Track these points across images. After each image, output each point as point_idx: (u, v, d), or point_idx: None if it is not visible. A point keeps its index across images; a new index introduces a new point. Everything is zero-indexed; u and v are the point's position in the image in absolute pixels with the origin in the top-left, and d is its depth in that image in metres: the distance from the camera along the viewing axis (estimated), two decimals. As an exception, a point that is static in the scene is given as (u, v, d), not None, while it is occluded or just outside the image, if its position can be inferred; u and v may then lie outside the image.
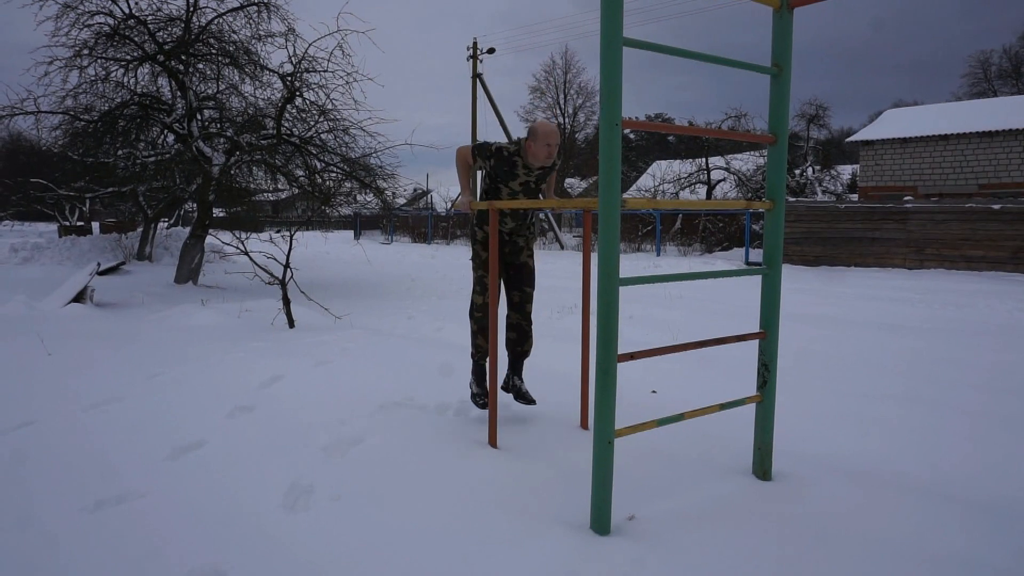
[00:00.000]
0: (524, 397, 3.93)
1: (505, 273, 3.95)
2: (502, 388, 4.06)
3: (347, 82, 10.46)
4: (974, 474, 3.18)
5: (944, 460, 3.35)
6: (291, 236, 7.50)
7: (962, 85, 46.15)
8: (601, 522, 2.52)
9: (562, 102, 45.77)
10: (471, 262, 3.92)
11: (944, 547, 2.44)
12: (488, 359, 3.68)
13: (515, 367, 4.01)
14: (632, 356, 2.56)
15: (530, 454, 3.34)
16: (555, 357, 5.00)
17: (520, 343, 3.96)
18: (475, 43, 27.33)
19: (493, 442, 3.44)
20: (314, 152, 11.02)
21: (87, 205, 21.80)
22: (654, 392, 4.50)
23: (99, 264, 9.45)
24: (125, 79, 10.72)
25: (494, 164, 3.71)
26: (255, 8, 10.81)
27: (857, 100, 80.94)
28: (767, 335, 2.99)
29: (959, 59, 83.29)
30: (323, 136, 11.01)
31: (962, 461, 3.35)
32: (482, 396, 3.90)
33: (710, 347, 2.88)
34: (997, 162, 21.01)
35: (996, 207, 14.72)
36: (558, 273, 13.60)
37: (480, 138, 24.35)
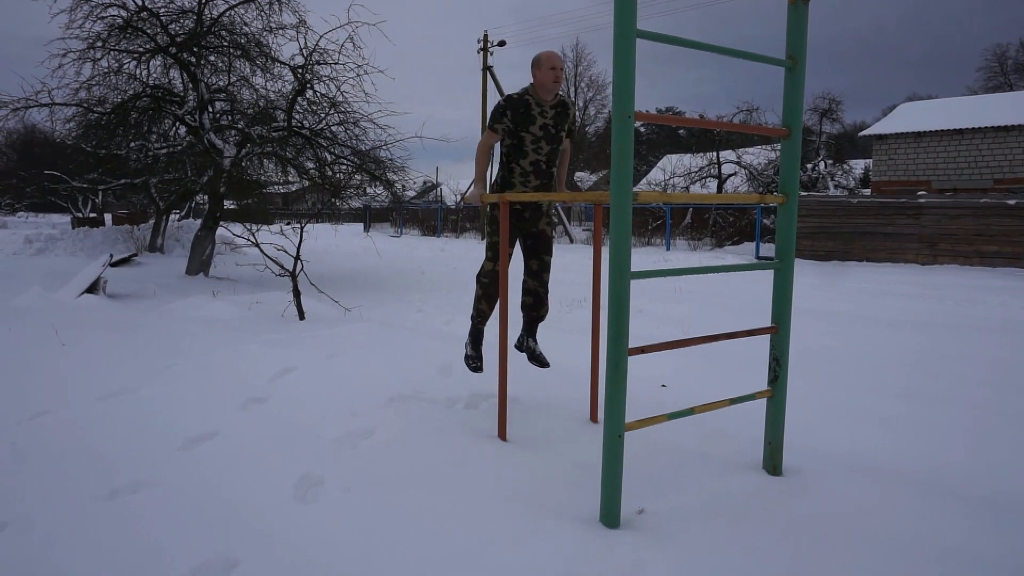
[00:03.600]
0: (538, 359, 3.96)
1: (523, 242, 3.93)
2: (515, 347, 4.11)
3: (358, 75, 10.46)
4: (981, 470, 3.16)
5: (952, 456, 3.33)
6: (301, 228, 7.52)
7: (978, 79, 45.75)
8: (610, 516, 2.52)
9: (572, 95, 45.62)
10: (486, 227, 3.90)
11: (952, 543, 2.43)
12: (498, 350, 3.67)
13: (530, 329, 4.05)
14: (643, 350, 2.55)
15: (539, 447, 3.34)
16: (565, 351, 4.99)
17: (536, 308, 3.98)
18: (485, 36, 27.26)
19: (502, 435, 3.45)
20: (324, 144, 11.03)
21: (100, 197, 21.94)
22: (664, 386, 4.49)
23: (112, 255, 9.53)
24: (138, 71, 10.77)
25: (511, 115, 3.68)
26: (266, 0, 10.83)
27: (870, 94, 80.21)
28: (778, 330, 2.97)
29: (974, 53, 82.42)
30: (333, 128, 11.02)
31: (969, 457, 3.33)
32: (475, 359, 3.95)
33: (720, 342, 2.86)
34: (1013, 157, 20.77)
35: (1011, 202, 14.56)
36: (568, 267, 13.57)
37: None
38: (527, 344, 4.05)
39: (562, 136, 3.83)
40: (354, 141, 11.13)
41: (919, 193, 16.84)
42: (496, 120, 3.74)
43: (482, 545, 2.39)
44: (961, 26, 78.12)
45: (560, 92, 3.78)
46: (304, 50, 10.45)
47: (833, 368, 5.15)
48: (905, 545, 2.42)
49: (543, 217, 3.90)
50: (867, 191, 26.66)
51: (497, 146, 3.93)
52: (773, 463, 3.04)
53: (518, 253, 4.08)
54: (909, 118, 23.66)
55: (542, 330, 4.12)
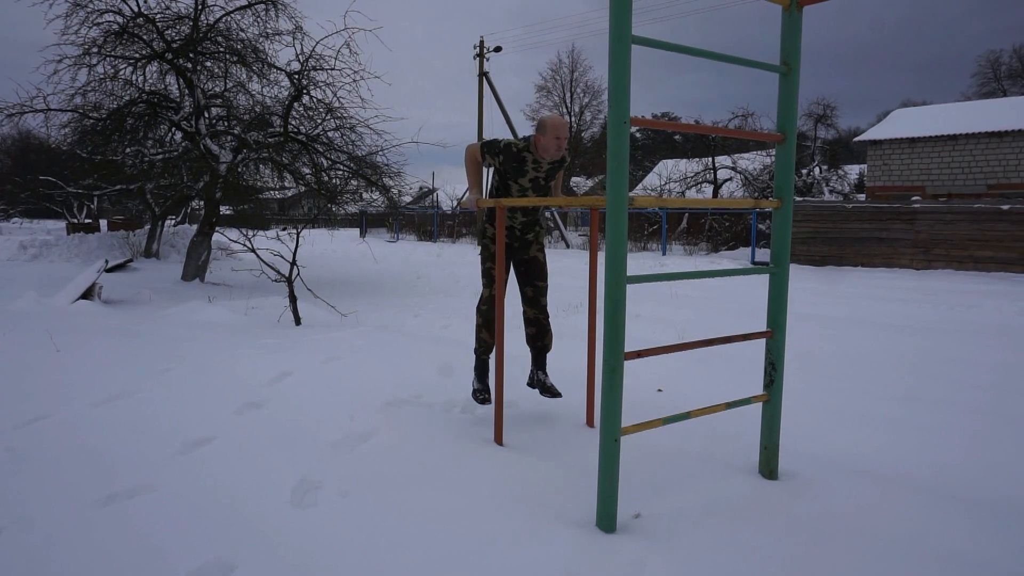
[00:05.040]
0: (550, 391, 3.92)
1: (516, 270, 3.96)
2: (528, 385, 4.09)
3: (354, 80, 10.50)
4: (980, 473, 3.17)
5: (949, 459, 3.34)
6: (297, 234, 7.53)
7: (971, 85, 46.04)
8: (607, 520, 2.52)
9: (568, 101, 45.73)
10: (480, 256, 3.93)
11: (950, 546, 2.44)
12: (494, 353, 3.68)
13: (538, 362, 4.01)
14: (639, 354, 2.57)
15: (536, 452, 3.34)
16: (561, 355, 5.00)
17: (540, 338, 3.96)
18: (481, 41, 27.34)
19: (499, 440, 3.46)
20: (321, 150, 11.05)
21: (95, 203, 21.90)
22: (660, 391, 4.50)
23: (107, 261, 9.51)
24: (133, 77, 10.77)
25: (503, 161, 3.71)
26: (263, 6, 10.85)
27: (865, 100, 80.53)
28: (774, 334, 2.99)
29: (968, 59, 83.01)
30: (330, 134, 11.04)
31: (967, 461, 3.34)
32: (483, 392, 3.91)
33: (716, 346, 2.88)
34: (1006, 162, 20.90)
35: (1005, 208, 14.64)
36: (564, 271, 13.59)
37: (486, 136, 24.34)
38: (537, 378, 3.99)
39: (550, 185, 3.88)
40: (350, 146, 11.16)
41: (913, 198, 16.92)
42: (488, 152, 3.76)
43: (480, 548, 2.40)
44: (955, 32, 78.74)
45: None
46: (300, 56, 10.48)
47: (828, 372, 5.17)
48: (904, 548, 2.43)
49: (532, 245, 3.93)
50: (862, 196, 26.79)
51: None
52: (769, 467, 3.05)
53: (512, 284, 4.08)
54: (903, 124, 23.79)
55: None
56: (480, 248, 3.92)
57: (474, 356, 4.02)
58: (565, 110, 45.36)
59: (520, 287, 3.97)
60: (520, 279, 3.97)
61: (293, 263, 7.27)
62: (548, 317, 3.99)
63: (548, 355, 4.08)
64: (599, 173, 43.82)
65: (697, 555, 2.36)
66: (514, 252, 3.91)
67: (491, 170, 3.88)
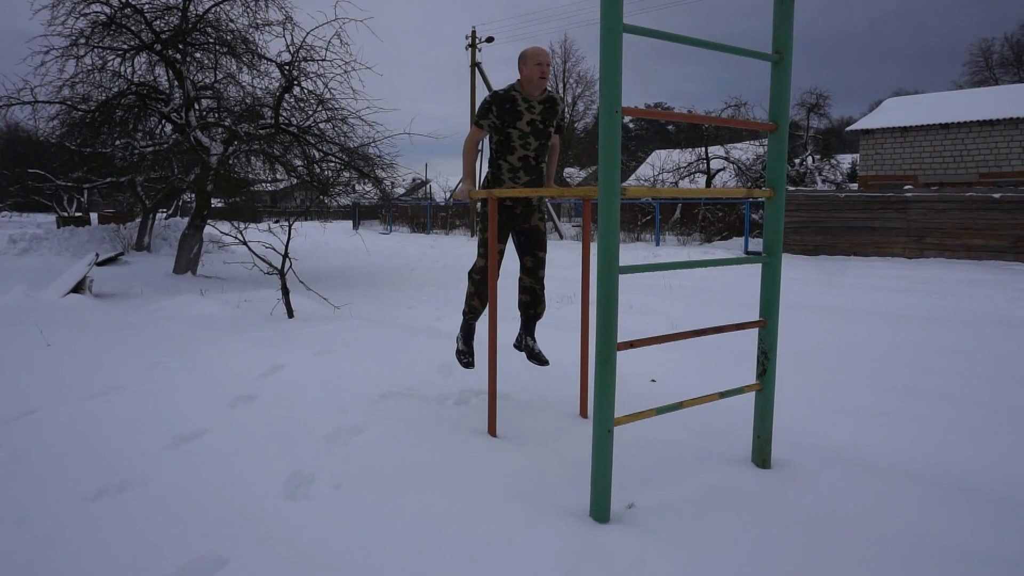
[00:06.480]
0: (537, 357, 3.96)
1: (516, 239, 3.94)
2: (514, 347, 4.14)
3: (345, 71, 10.42)
4: (977, 465, 3.17)
5: (946, 450, 3.34)
6: (290, 226, 7.48)
7: (963, 73, 46.07)
8: (601, 510, 2.52)
9: (561, 91, 45.54)
10: (477, 224, 3.92)
11: (949, 537, 2.44)
12: (487, 345, 3.67)
13: (528, 328, 4.05)
14: (632, 344, 2.56)
15: (529, 443, 3.34)
16: (554, 346, 5.00)
17: (533, 306, 3.98)
18: (473, 32, 27.21)
19: (493, 431, 3.45)
20: (312, 142, 10.97)
21: (85, 196, 21.71)
22: (653, 381, 4.50)
23: (97, 254, 9.43)
24: (122, 68, 10.65)
25: (497, 112, 3.68)
26: (252, -4, 10.74)
27: (857, 89, 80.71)
28: (767, 323, 2.99)
29: (960, 48, 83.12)
30: (321, 125, 10.96)
31: (964, 451, 3.34)
32: (467, 354, 3.94)
33: (710, 336, 2.88)
34: (998, 151, 20.95)
35: (997, 196, 14.69)
36: (557, 262, 13.57)
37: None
38: (526, 343, 4.04)
39: (550, 131, 3.83)
40: (342, 138, 11.09)
41: (906, 187, 16.96)
42: (481, 116, 3.73)
43: (472, 540, 2.39)
44: (948, 21, 78.83)
45: (548, 88, 3.79)
46: (291, 47, 10.39)
47: (822, 362, 5.18)
48: (899, 538, 2.43)
49: (535, 212, 3.90)
50: (854, 186, 26.84)
51: (487, 141, 3.93)
52: (762, 456, 3.05)
53: (511, 251, 4.08)
54: (895, 113, 23.81)
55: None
56: (479, 216, 3.90)
57: (462, 317, 4.03)
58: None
59: (520, 256, 3.96)
60: (520, 249, 3.94)
61: (285, 256, 7.24)
62: (544, 288, 4.00)
63: (541, 344, 4.08)
64: (592, 164, 43.70)
65: (691, 545, 2.36)
66: (516, 219, 3.86)
67: (491, 139, 3.83)
